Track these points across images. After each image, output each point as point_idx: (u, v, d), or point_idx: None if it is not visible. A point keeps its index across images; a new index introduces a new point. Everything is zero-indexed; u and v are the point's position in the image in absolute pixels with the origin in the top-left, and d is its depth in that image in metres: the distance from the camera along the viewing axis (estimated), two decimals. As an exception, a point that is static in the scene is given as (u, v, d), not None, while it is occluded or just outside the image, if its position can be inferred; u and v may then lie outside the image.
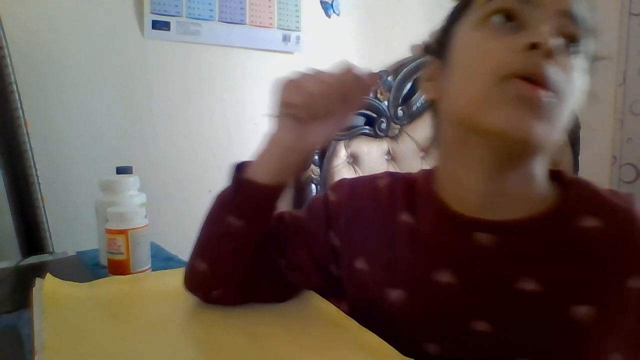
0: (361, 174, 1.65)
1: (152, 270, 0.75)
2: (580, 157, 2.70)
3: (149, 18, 1.30)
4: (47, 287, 0.59)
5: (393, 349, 0.45)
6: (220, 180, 1.64)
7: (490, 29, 0.44)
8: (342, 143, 1.64)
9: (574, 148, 2.70)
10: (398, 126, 1.78)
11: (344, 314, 0.53)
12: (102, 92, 1.27)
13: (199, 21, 1.36)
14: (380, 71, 1.71)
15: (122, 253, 0.70)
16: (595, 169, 2.66)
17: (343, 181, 0.60)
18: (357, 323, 0.50)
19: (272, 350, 0.47)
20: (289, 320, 0.54)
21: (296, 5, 1.53)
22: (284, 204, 0.57)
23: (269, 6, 1.48)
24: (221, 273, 0.54)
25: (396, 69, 1.80)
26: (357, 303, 0.54)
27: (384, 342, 0.46)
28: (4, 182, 0.94)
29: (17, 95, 0.96)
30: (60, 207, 1.19)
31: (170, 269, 0.75)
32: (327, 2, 1.62)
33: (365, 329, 0.49)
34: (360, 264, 0.53)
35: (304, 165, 0.71)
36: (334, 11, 1.64)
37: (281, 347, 0.48)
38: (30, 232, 0.95)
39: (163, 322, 0.53)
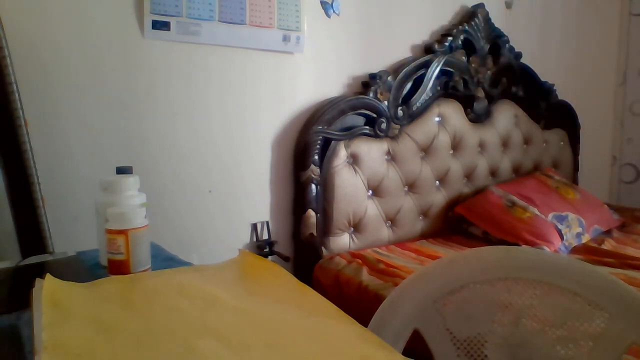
0: (361, 174, 1.66)
1: (152, 271, 0.75)
2: (580, 157, 2.72)
3: (149, 18, 1.30)
4: (47, 287, 0.59)
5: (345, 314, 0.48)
6: (220, 181, 1.66)
7: None
8: (342, 143, 1.64)
9: (574, 148, 2.71)
10: (398, 126, 1.79)
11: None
12: (102, 92, 1.27)
13: (199, 21, 1.36)
14: (380, 71, 1.72)
15: (122, 253, 0.70)
16: (595, 169, 2.67)
17: None
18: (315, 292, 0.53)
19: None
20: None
21: (296, 5, 1.53)
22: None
23: (269, 6, 1.48)
24: None
25: (396, 69, 1.80)
26: None
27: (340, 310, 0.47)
28: (4, 182, 0.94)
29: (17, 95, 0.96)
30: (60, 207, 1.19)
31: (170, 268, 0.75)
32: (327, 2, 1.62)
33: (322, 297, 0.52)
34: None
35: None
36: (334, 11, 1.64)
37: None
38: (30, 232, 0.95)
39: (163, 322, 0.53)
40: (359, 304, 1.35)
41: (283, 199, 1.61)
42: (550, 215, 1.75)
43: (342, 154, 1.63)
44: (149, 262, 0.74)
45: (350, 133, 1.65)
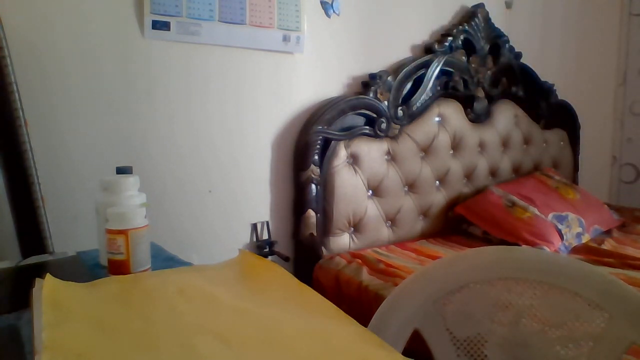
0: (361, 174, 1.66)
1: (152, 271, 0.75)
2: (580, 157, 2.72)
3: (149, 18, 1.30)
4: (47, 287, 0.59)
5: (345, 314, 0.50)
6: (220, 180, 1.66)
7: None
8: (342, 143, 1.64)
9: (574, 148, 2.71)
10: (398, 126, 1.79)
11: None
12: (102, 92, 1.27)
13: (199, 21, 1.36)
14: (380, 71, 1.72)
15: (122, 253, 0.70)
16: (595, 169, 2.67)
17: None
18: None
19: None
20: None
21: (296, 5, 1.53)
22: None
23: (269, 6, 1.48)
24: None
25: (396, 69, 1.81)
26: None
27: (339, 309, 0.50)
28: (4, 182, 0.94)
29: (17, 95, 0.96)
30: (60, 207, 1.19)
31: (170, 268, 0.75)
32: (327, 2, 1.62)
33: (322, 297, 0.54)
34: None
35: None
36: (334, 11, 1.64)
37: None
38: (30, 232, 0.95)
39: (163, 322, 0.53)
40: (359, 304, 1.35)
41: (283, 199, 1.61)
42: (550, 215, 1.75)
43: (342, 154, 1.63)
44: (149, 262, 0.74)
45: (350, 133, 1.65)
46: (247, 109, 1.51)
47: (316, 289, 0.76)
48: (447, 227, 1.90)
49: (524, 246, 1.58)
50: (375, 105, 1.69)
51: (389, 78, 1.74)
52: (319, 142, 1.57)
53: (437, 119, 1.87)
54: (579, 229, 1.78)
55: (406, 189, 1.80)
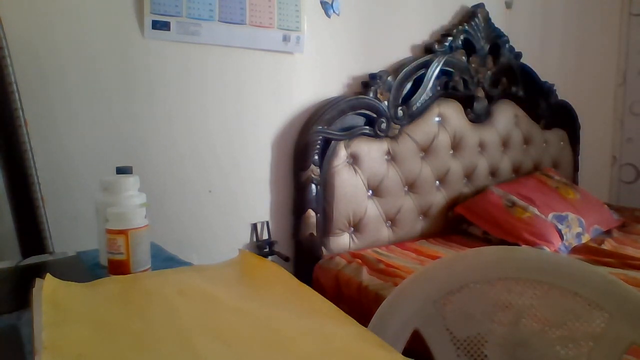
0: (361, 174, 1.66)
1: (152, 271, 0.75)
2: (580, 157, 2.72)
3: (149, 18, 1.30)
4: (47, 287, 0.59)
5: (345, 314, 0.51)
6: (220, 181, 1.66)
7: None
8: (342, 143, 1.64)
9: (574, 148, 2.71)
10: (398, 126, 1.79)
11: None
12: (102, 92, 1.27)
13: (199, 21, 1.36)
14: (380, 71, 1.72)
15: (122, 253, 0.70)
16: (595, 169, 2.67)
17: None
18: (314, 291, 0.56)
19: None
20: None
21: (296, 5, 1.53)
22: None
23: (269, 6, 1.48)
24: None
25: (396, 69, 1.81)
26: None
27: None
28: (4, 182, 0.94)
29: (17, 95, 0.96)
30: (60, 207, 1.19)
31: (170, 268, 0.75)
32: (327, 2, 1.62)
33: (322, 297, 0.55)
34: None
35: None
36: (334, 11, 1.64)
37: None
38: (30, 232, 0.95)
39: (163, 322, 0.53)
40: (359, 304, 1.35)
41: (283, 199, 1.61)
42: (550, 215, 1.75)
43: (342, 154, 1.63)
44: (149, 262, 0.74)
45: (350, 133, 1.65)
46: (247, 109, 1.51)
47: (316, 289, 0.76)
48: (447, 227, 1.90)
49: (524, 246, 1.58)
50: (375, 105, 1.69)
51: (389, 78, 1.74)
52: (319, 142, 1.57)
53: (437, 119, 1.87)
54: (579, 229, 1.78)
55: (406, 189, 1.80)
